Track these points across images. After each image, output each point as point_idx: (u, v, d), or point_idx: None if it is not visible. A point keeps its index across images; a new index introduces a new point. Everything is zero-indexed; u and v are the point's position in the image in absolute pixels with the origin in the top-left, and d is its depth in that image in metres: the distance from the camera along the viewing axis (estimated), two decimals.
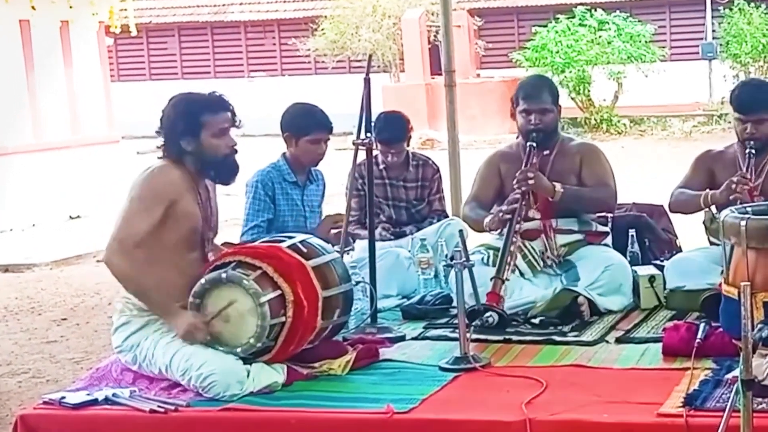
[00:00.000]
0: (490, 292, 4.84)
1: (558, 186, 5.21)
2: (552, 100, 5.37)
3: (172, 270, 4.32)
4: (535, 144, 5.27)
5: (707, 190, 5.14)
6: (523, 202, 5.15)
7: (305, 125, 5.44)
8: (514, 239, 5.09)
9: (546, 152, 5.33)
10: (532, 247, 5.26)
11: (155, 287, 4.27)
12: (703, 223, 5.37)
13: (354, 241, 5.72)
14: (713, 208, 5.20)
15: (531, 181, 5.16)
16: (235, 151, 4.43)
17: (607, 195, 5.36)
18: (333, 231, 5.37)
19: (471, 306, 4.52)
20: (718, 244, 4.74)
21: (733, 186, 4.96)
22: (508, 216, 5.12)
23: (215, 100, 4.41)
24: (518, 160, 5.33)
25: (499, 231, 5.25)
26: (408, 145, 6.12)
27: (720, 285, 4.60)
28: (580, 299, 4.97)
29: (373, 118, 5.31)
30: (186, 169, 4.37)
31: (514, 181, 5.19)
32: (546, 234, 5.26)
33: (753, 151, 5.08)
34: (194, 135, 4.34)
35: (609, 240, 5.48)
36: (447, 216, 6.23)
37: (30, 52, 13.04)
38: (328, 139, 5.50)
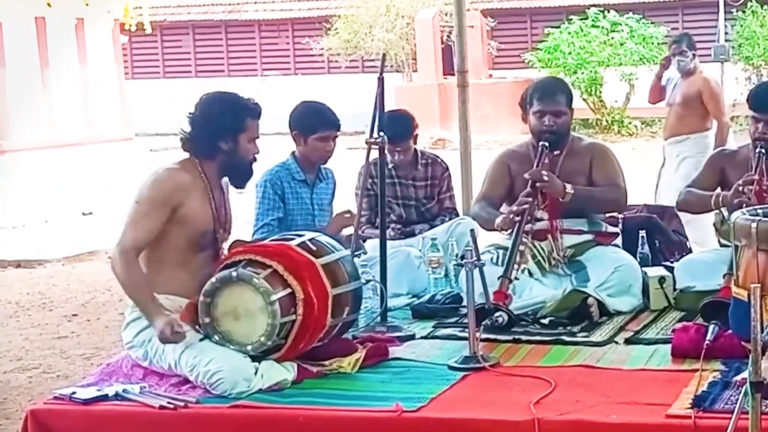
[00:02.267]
0: (496, 291, 4.84)
1: (569, 187, 5.21)
2: (566, 103, 5.37)
3: (183, 270, 4.34)
4: (547, 144, 5.28)
5: (718, 190, 5.14)
6: (534, 202, 5.15)
7: (313, 123, 5.46)
8: (523, 239, 5.09)
9: (556, 152, 5.33)
10: (542, 248, 5.26)
11: (160, 290, 4.28)
12: (714, 224, 5.37)
13: (364, 242, 5.72)
14: (725, 210, 5.20)
15: (545, 181, 5.16)
16: (256, 159, 4.50)
17: (618, 195, 5.36)
18: (345, 234, 5.38)
19: (479, 304, 4.52)
20: (728, 246, 4.74)
21: (740, 188, 4.96)
22: (518, 218, 5.12)
23: (255, 106, 4.48)
24: (528, 160, 5.33)
25: (509, 231, 5.25)
26: (415, 143, 6.12)
27: (722, 290, 4.63)
28: (590, 300, 4.97)
29: None
30: (201, 170, 4.39)
31: (526, 177, 5.18)
32: (552, 234, 5.26)
33: (763, 150, 5.07)
34: (234, 135, 4.38)
35: (619, 241, 5.48)
36: (458, 214, 6.23)
37: (45, 49, 13.09)
38: (336, 136, 5.52)
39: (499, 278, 4.92)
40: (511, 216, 5.16)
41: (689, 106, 8.35)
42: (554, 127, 5.30)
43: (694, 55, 8.41)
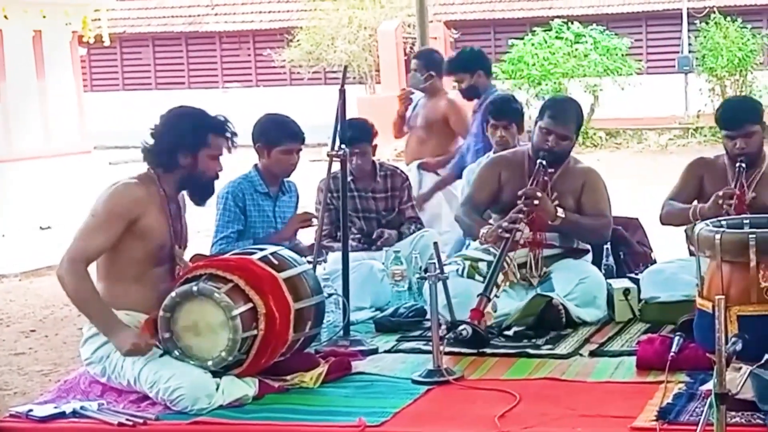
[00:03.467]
0: (474, 308, 4.78)
1: (560, 212, 5.19)
2: (575, 129, 5.37)
3: (140, 284, 4.29)
4: (544, 162, 5.25)
5: (695, 203, 5.15)
6: (525, 221, 5.11)
7: (277, 136, 5.42)
8: (507, 260, 5.05)
9: (551, 170, 5.31)
10: (510, 258, 5.22)
11: (118, 305, 4.23)
12: (685, 231, 5.37)
13: (326, 254, 5.68)
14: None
15: (536, 202, 5.13)
16: (218, 177, 4.45)
17: (603, 226, 5.37)
18: (306, 244, 5.34)
19: (449, 322, 4.47)
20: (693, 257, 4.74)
21: (720, 201, 4.97)
22: (507, 235, 5.09)
23: (222, 123, 4.42)
24: (520, 170, 5.31)
25: (489, 243, 5.20)
26: (374, 155, 6.10)
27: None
28: (555, 301, 4.94)
29: None
30: (159, 184, 4.33)
31: (520, 194, 5.14)
32: (534, 249, 5.21)
33: (744, 165, 5.09)
34: (194, 151, 4.33)
35: (589, 257, 5.46)
36: (422, 224, 6.22)
37: (1, 62, 12.95)
38: (300, 149, 5.49)
39: (477, 296, 4.86)
40: (500, 231, 5.12)
41: (432, 129, 7.45)
42: (556, 148, 5.28)
43: (432, 75, 7.43)
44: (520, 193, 5.17)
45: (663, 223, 5.45)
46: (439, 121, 7.43)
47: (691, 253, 5.25)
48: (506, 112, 6.18)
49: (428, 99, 7.49)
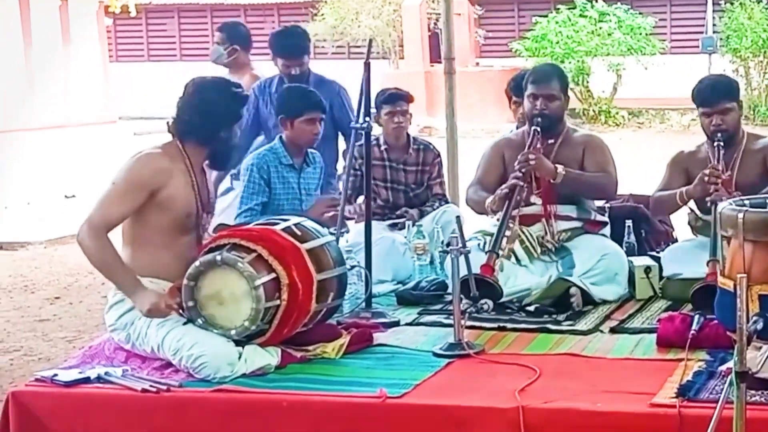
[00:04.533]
0: (483, 264, 4.86)
1: (560, 168, 5.22)
2: (560, 88, 5.38)
3: (166, 252, 4.31)
4: (539, 129, 5.27)
5: (681, 188, 5.17)
6: (524, 184, 5.16)
7: (299, 106, 5.48)
8: (510, 223, 5.09)
9: (551, 141, 5.34)
10: (530, 233, 5.26)
11: (143, 273, 4.26)
12: (689, 223, 5.41)
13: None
14: (696, 208, 5.25)
15: (532, 162, 5.16)
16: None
17: (608, 181, 5.37)
18: (327, 215, 5.37)
19: (464, 276, 4.48)
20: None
21: (706, 179, 4.99)
22: (507, 191, 5.12)
23: (246, 95, 4.58)
24: (523, 147, 5.33)
25: (499, 213, 5.24)
26: (410, 123, 6.15)
27: (707, 276, 4.63)
28: (572, 290, 4.97)
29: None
30: (185, 153, 4.36)
31: (516, 163, 5.20)
32: (546, 218, 5.27)
33: (722, 143, 5.10)
34: (231, 125, 4.42)
35: (607, 230, 5.48)
36: (447, 201, 6.25)
37: (29, 31, 13.01)
38: (322, 118, 5.53)
39: (486, 252, 4.93)
40: (501, 193, 5.15)
41: None
42: (546, 110, 5.30)
43: (236, 49, 7.01)
44: (517, 159, 5.21)
45: (653, 215, 5.49)
46: None
47: None
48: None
49: (231, 75, 6.90)
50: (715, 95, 5.19)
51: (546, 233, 5.26)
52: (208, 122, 4.37)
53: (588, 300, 5.01)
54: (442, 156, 6.34)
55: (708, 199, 4.97)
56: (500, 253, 5.00)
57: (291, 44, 6.36)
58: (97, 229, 4.21)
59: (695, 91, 5.29)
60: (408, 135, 6.15)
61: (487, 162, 5.52)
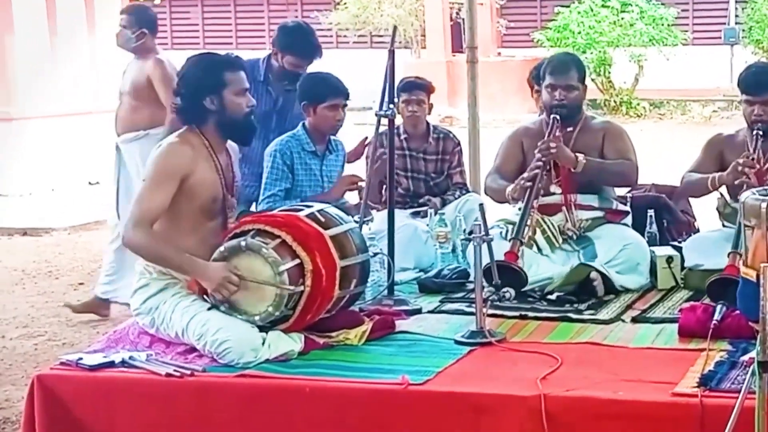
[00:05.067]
0: (507, 251, 4.88)
1: (581, 157, 5.23)
2: (578, 77, 5.38)
3: (193, 238, 4.32)
4: (558, 117, 5.28)
5: (714, 173, 5.15)
6: (545, 172, 5.17)
7: (322, 93, 5.48)
8: (534, 203, 5.11)
9: (570, 129, 5.35)
10: (551, 222, 5.27)
11: (178, 253, 4.27)
12: (717, 209, 5.39)
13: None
14: (726, 194, 5.23)
15: (553, 151, 5.17)
16: (253, 111, 4.44)
17: (629, 168, 5.37)
18: (352, 203, 5.39)
19: (487, 264, 4.50)
20: (733, 228, 4.76)
21: (739, 168, 4.98)
22: (529, 183, 5.14)
23: (234, 59, 4.45)
24: (541, 136, 5.34)
25: (520, 201, 5.26)
26: (429, 113, 6.14)
27: (726, 268, 4.63)
28: (593, 275, 4.97)
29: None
30: (204, 137, 4.37)
31: (536, 151, 5.20)
32: (567, 207, 5.27)
33: (761, 132, 5.09)
34: (218, 92, 4.34)
35: (629, 219, 5.48)
36: (468, 190, 6.26)
37: (54, 18, 13.05)
38: (346, 105, 5.55)
39: (510, 239, 4.96)
40: (522, 182, 5.17)
41: (141, 95, 6.89)
42: (565, 100, 5.31)
43: (144, 32, 6.86)
44: (537, 147, 5.21)
45: (681, 195, 5.47)
46: (146, 85, 6.85)
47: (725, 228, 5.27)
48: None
49: (136, 60, 6.94)
50: (760, 85, 5.15)
51: (567, 221, 5.28)
52: (190, 99, 4.36)
53: (609, 289, 5.01)
54: (462, 145, 6.34)
55: (738, 183, 4.93)
56: (523, 240, 5.01)
57: (310, 43, 6.05)
58: (141, 226, 4.23)
59: (741, 76, 5.25)
60: (428, 123, 6.16)
61: (505, 151, 5.52)
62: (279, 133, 5.73)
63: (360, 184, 5.48)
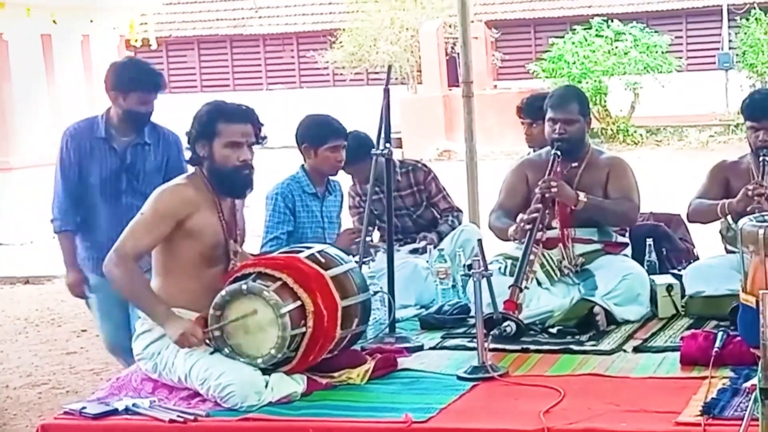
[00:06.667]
0: (507, 300, 4.86)
1: (582, 195, 5.22)
2: (579, 110, 5.37)
3: (194, 283, 4.33)
4: (559, 153, 5.29)
5: (723, 200, 5.16)
6: (546, 211, 5.17)
7: (322, 134, 5.51)
8: (534, 248, 5.10)
9: (575, 164, 5.35)
10: (551, 256, 5.27)
11: (171, 303, 4.27)
12: (720, 232, 5.39)
13: (375, 253, 5.73)
14: (729, 217, 5.23)
15: (554, 190, 5.18)
16: (248, 167, 4.37)
17: (629, 209, 5.36)
18: (354, 247, 5.40)
19: (488, 314, 4.53)
20: (735, 252, 4.76)
21: (749, 194, 4.99)
22: (529, 226, 5.14)
23: (235, 110, 4.37)
24: (546, 169, 5.33)
25: (521, 240, 5.26)
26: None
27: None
28: (596, 309, 4.98)
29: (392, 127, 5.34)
30: (208, 182, 4.38)
31: (537, 189, 5.21)
32: (564, 243, 5.28)
33: (767, 158, 5.10)
34: (207, 141, 4.34)
35: (628, 251, 5.48)
36: (459, 211, 6.23)
37: (51, 66, 13.13)
38: (345, 145, 5.55)
39: (509, 287, 4.93)
40: (522, 225, 5.17)
41: None
42: (565, 134, 5.31)
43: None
44: (539, 184, 5.21)
45: (690, 221, 5.47)
46: None
47: (728, 252, 5.28)
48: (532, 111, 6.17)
49: None
50: (765, 111, 5.18)
51: (564, 259, 5.27)
52: (189, 143, 4.39)
53: (611, 320, 5.01)
54: (459, 180, 6.33)
55: (750, 209, 4.93)
56: (522, 288, 4.97)
57: (152, 73, 5.52)
58: (126, 258, 4.25)
59: (745, 103, 5.29)
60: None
61: (509, 186, 5.52)
62: (133, 194, 5.26)
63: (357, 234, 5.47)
